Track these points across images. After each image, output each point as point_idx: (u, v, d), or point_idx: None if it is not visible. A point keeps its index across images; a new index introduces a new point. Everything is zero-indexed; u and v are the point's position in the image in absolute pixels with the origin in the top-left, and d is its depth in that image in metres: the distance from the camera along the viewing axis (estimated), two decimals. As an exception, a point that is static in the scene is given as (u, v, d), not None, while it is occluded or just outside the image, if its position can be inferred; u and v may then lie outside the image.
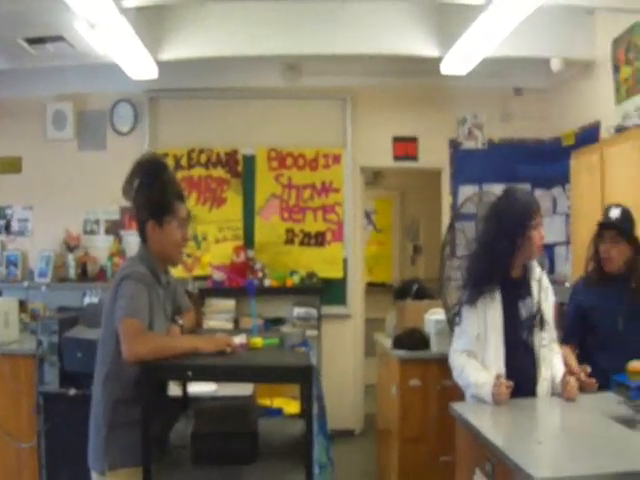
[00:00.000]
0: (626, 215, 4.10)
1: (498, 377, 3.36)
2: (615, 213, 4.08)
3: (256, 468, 2.87)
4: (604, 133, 6.37)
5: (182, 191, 3.14)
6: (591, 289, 4.19)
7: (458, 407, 3.39)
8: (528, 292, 3.60)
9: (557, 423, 3.40)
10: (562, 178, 7.01)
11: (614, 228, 4.06)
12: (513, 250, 3.49)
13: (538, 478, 2.40)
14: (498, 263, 3.48)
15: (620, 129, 5.76)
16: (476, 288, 3.48)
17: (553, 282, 6.81)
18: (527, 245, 3.53)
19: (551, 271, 7.42)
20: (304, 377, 2.72)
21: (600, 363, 3.83)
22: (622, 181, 5.44)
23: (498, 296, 3.50)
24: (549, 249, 7.44)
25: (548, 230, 7.33)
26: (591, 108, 6.83)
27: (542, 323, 3.57)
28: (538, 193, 7.63)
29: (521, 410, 3.40)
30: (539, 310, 3.57)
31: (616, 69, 6.28)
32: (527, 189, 3.65)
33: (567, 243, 7.03)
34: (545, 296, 3.63)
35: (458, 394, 3.79)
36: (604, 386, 3.49)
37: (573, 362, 3.95)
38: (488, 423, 3.17)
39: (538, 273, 3.66)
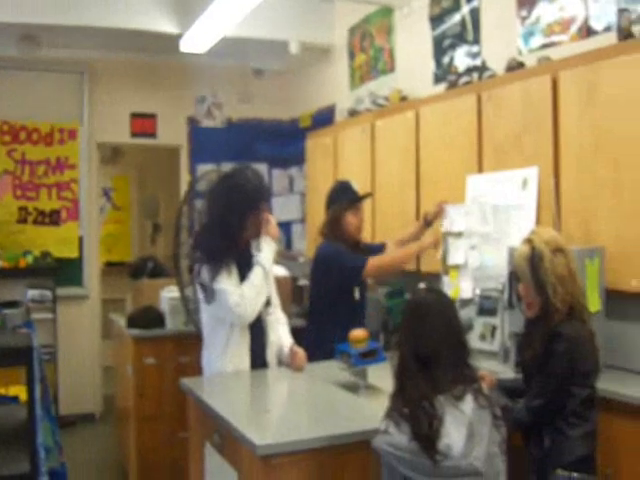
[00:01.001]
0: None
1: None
2: (356, 186, 4.40)
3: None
4: (338, 116, 6.65)
5: None
6: None
7: (188, 382, 3.41)
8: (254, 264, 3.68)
9: (285, 392, 3.53)
10: (299, 158, 7.26)
11: (363, 199, 4.38)
12: (243, 226, 3.56)
13: (260, 445, 2.48)
14: (229, 238, 3.52)
15: (353, 113, 6.06)
16: (214, 263, 3.49)
17: (290, 258, 7.16)
18: (257, 223, 3.62)
19: (288, 247, 7.69)
20: (24, 359, 2.61)
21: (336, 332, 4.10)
22: (353, 162, 5.74)
23: (235, 270, 3.56)
24: (286, 226, 7.69)
25: (285, 208, 7.70)
26: (327, 91, 7.11)
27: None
28: (276, 173, 7.86)
29: (251, 381, 3.50)
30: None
31: (351, 56, 6.60)
32: (258, 171, 3.70)
33: (302, 221, 7.31)
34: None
35: (194, 371, 3.83)
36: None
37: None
38: (216, 396, 3.21)
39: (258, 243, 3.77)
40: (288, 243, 7.73)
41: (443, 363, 2.36)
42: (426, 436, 2.25)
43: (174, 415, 4.96)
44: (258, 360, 3.62)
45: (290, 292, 5.70)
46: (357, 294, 4.22)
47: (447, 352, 2.38)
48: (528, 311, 2.89)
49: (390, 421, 2.35)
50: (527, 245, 2.85)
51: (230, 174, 3.68)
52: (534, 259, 2.79)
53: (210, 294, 3.49)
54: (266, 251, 3.62)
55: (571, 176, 3.67)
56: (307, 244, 6.73)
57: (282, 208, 7.67)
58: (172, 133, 7.57)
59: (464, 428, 2.27)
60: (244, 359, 3.57)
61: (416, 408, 2.29)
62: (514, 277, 2.96)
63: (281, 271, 5.68)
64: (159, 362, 5.14)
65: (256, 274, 3.54)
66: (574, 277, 2.80)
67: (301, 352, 3.68)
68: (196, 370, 3.81)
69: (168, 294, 5.29)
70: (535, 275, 2.78)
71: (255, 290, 3.52)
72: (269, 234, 3.63)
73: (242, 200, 3.52)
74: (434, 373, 2.35)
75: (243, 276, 3.57)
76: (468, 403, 2.31)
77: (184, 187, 7.42)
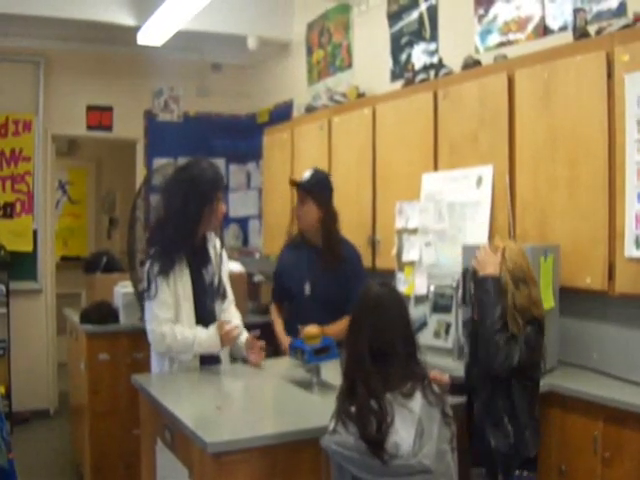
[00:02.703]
0: (316, 177, 4.20)
1: (221, 323, 3.46)
2: (306, 175, 4.19)
3: None
4: (296, 112, 6.61)
5: None
6: (290, 252, 4.31)
7: (139, 378, 3.35)
8: (208, 259, 3.65)
9: (237, 389, 3.48)
10: (256, 154, 7.19)
11: (301, 188, 4.15)
12: (199, 218, 3.49)
13: (211, 443, 2.42)
14: (185, 231, 3.46)
15: (310, 109, 6.01)
16: (166, 257, 3.42)
17: (246, 254, 7.09)
18: (212, 215, 3.55)
19: (245, 243, 7.62)
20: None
21: (290, 324, 4.03)
22: (310, 158, 5.68)
23: (186, 264, 3.50)
24: (243, 222, 7.63)
25: (242, 204, 7.62)
26: (285, 87, 7.06)
27: (220, 288, 3.67)
28: (233, 168, 7.78)
29: (204, 377, 3.44)
30: (220, 279, 3.66)
31: (310, 51, 6.55)
32: (214, 162, 3.63)
33: (259, 217, 7.24)
34: (222, 262, 3.72)
35: (149, 367, 3.74)
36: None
37: (279, 327, 4.19)
38: (167, 392, 3.14)
39: (213, 239, 3.72)
40: (244, 239, 7.67)
41: (397, 359, 2.31)
42: (374, 437, 2.21)
43: (128, 412, 4.85)
44: (209, 357, 3.55)
45: (245, 288, 5.64)
46: (307, 289, 4.14)
47: (401, 347, 2.33)
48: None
49: (338, 420, 2.30)
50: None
51: (185, 166, 3.61)
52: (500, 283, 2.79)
53: (155, 290, 3.43)
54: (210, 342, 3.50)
55: (526, 174, 3.66)
56: (264, 240, 6.67)
57: (239, 204, 7.60)
58: (129, 126, 7.44)
59: (413, 426, 2.23)
60: (193, 359, 3.51)
61: (364, 408, 2.25)
62: (468, 274, 2.93)
63: (237, 267, 5.62)
64: (113, 358, 5.04)
65: (200, 342, 3.45)
66: (538, 304, 2.81)
67: (261, 343, 3.64)
68: (149, 367, 3.73)
69: (122, 289, 5.19)
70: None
71: (183, 346, 3.43)
72: (227, 340, 3.52)
73: (198, 192, 3.45)
74: (387, 369, 2.30)
75: (195, 270, 3.52)
76: (417, 400, 2.27)
77: (140, 181, 7.30)
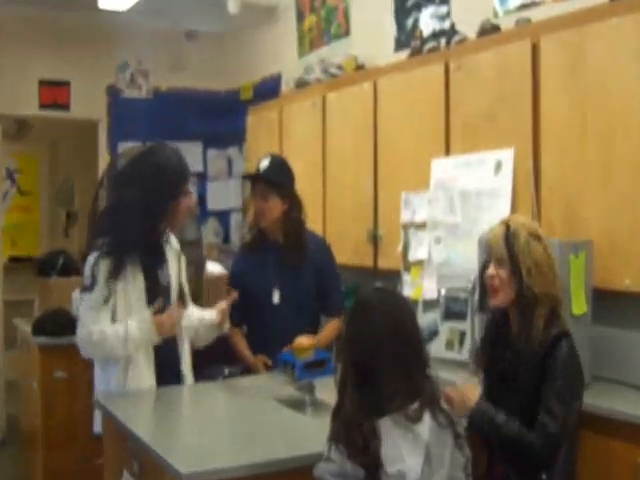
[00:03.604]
0: (276, 165, 4.14)
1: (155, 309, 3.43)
2: (264, 164, 4.10)
3: None
4: (285, 87, 6.62)
5: None
6: (247, 258, 4.29)
7: (102, 398, 3.34)
8: (165, 259, 3.65)
9: (216, 410, 3.46)
10: (238, 136, 7.19)
11: (261, 180, 4.08)
12: (163, 214, 3.49)
13: (187, 474, 2.42)
14: (143, 228, 3.45)
15: (301, 84, 6.02)
16: (116, 255, 3.41)
17: (228, 252, 7.07)
18: (177, 211, 3.54)
19: (226, 240, 7.61)
20: None
21: (258, 344, 4.03)
22: (301, 141, 5.70)
23: (139, 265, 3.48)
24: (224, 216, 7.62)
25: (223, 196, 7.62)
26: (272, 59, 7.06)
27: (182, 293, 3.68)
28: (212, 153, 7.78)
29: (176, 398, 3.45)
30: (180, 283, 3.69)
31: (300, 17, 6.54)
32: (177, 149, 3.61)
33: (243, 210, 7.21)
34: (180, 262, 3.74)
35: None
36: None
37: (245, 351, 4.10)
38: (136, 416, 3.14)
39: (169, 236, 3.71)
40: (225, 236, 7.66)
41: (388, 375, 2.31)
42: (366, 462, 2.21)
43: (89, 439, 4.82)
44: (169, 374, 3.54)
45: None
46: (277, 297, 4.09)
47: (393, 361, 2.32)
48: (494, 298, 2.84)
49: (332, 445, 2.30)
50: (502, 225, 2.84)
51: (146, 153, 3.60)
52: (509, 237, 2.77)
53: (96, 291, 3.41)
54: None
55: (553, 158, 3.66)
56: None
57: (219, 195, 7.60)
58: (89, 105, 7.43)
59: (420, 453, 2.23)
60: (147, 374, 3.48)
61: (350, 429, 2.25)
62: (485, 268, 2.91)
63: (217, 268, 5.59)
64: (71, 376, 5.05)
65: (132, 332, 3.41)
66: (552, 266, 2.78)
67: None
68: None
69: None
70: (509, 253, 2.75)
71: (114, 341, 3.40)
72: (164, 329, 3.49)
73: (162, 184, 3.45)
74: (377, 387, 2.30)
75: (149, 271, 3.52)
76: (425, 423, 2.27)
77: (103, 168, 7.28)
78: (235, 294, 3.77)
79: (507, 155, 3.86)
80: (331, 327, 4.10)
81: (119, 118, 7.48)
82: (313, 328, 4.02)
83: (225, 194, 7.60)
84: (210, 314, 3.76)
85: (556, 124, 3.64)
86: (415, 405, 2.30)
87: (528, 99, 3.76)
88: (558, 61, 3.62)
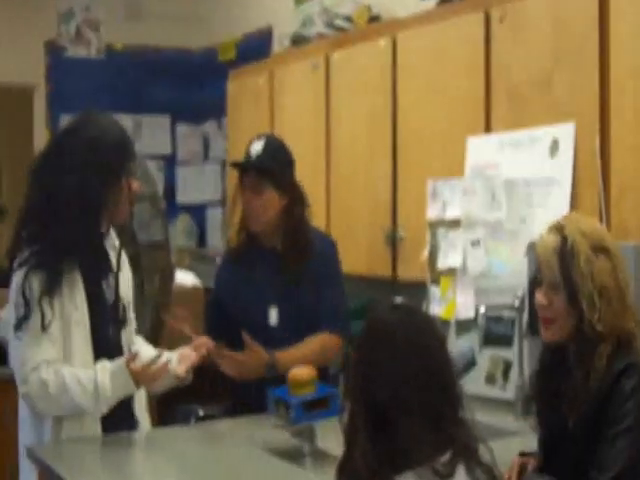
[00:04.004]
0: (273, 149, 4.15)
1: (131, 356, 3.40)
2: (256, 148, 4.09)
3: None
4: (277, 45, 6.66)
5: None
6: (234, 268, 4.32)
7: (38, 449, 3.33)
8: (110, 267, 3.63)
9: (195, 462, 3.41)
10: (218, 108, 7.20)
11: (253, 170, 4.08)
12: (102, 204, 3.44)
13: None
14: (79, 225, 3.40)
15: (298, 40, 6.03)
16: (50, 267, 3.36)
17: (203, 258, 7.08)
18: (120, 199, 3.51)
19: (201, 243, 7.62)
20: None
21: None
22: (297, 113, 5.72)
23: (78, 276, 3.46)
24: (198, 212, 7.63)
25: (197, 185, 7.63)
26: (260, 8, 7.11)
27: (125, 310, 3.67)
28: (183, 129, 7.80)
29: (137, 445, 3.45)
30: (121, 297, 3.66)
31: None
32: (117, 120, 3.60)
33: (223, 203, 7.23)
34: (124, 272, 3.72)
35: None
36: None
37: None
38: (85, 471, 3.16)
39: (112, 236, 3.70)
40: (200, 237, 7.67)
41: (411, 418, 2.30)
42: None
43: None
44: (119, 418, 3.52)
45: (202, 308, 5.63)
46: (274, 316, 4.10)
47: (417, 401, 2.32)
48: (546, 331, 2.83)
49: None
50: (556, 234, 2.81)
51: (76, 126, 3.57)
52: (565, 255, 2.74)
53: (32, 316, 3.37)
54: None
55: (626, 135, 3.65)
56: (230, 238, 6.66)
57: (192, 184, 7.63)
58: (21, 66, 7.50)
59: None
60: (90, 420, 3.46)
61: None
62: (536, 285, 2.91)
63: (189, 279, 5.61)
64: (-2, 416, 5.05)
65: (104, 387, 3.39)
66: (623, 292, 2.76)
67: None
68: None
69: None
70: (565, 275, 2.74)
71: (80, 396, 3.38)
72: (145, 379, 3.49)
73: (99, 165, 3.40)
74: (397, 434, 2.29)
75: (92, 283, 3.50)
76: (459, 479, 2.27)
77: (41, 148, 7.31)
78: (204, 348, 3.75)
79: (566, 132, 3.87)
80: (314, 342, 4.05)
81: (61, 83, 7.55)
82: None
83: (200, 183, 7.63)
84: (168, 357, 3.64)
85: (629, 92, 3.63)
86: (446, 457, 2.29)
87: (594, 58, 3.75)
88: (633, 8, 3.61)
